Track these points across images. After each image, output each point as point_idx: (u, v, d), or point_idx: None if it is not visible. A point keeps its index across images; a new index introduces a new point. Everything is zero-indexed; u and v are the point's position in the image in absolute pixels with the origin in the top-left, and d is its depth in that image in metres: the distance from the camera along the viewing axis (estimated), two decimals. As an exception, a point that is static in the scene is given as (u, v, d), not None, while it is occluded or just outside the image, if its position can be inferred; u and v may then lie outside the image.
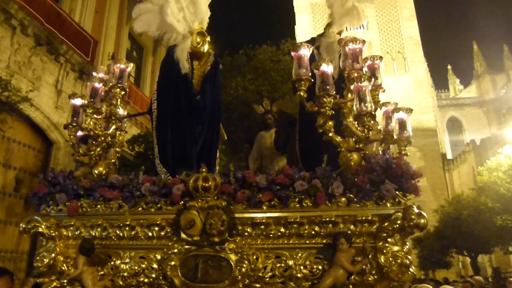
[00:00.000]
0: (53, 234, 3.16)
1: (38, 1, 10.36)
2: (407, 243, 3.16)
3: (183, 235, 2.93)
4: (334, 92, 2.84)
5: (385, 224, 2.69)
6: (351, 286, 2.72)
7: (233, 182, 2.97)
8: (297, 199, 2.83)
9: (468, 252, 23.60)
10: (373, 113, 2.72)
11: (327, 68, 2.82)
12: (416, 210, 2.67)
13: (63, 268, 3.12)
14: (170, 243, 3.01)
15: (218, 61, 4.11)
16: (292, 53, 3.01)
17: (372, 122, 2.86)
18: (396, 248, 2.72)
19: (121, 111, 4.29)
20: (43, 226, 3.14)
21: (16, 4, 9.47)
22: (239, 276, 2.78)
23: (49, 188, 3.26)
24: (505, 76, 49.30)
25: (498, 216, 17.56)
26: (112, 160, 3.87)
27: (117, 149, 3.98)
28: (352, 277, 2.72)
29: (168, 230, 3.03)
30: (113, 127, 3.46)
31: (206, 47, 3.97)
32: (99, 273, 3.13)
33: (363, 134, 2.72)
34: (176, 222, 2.94)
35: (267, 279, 2.81)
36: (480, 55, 53.24)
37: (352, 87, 2.79)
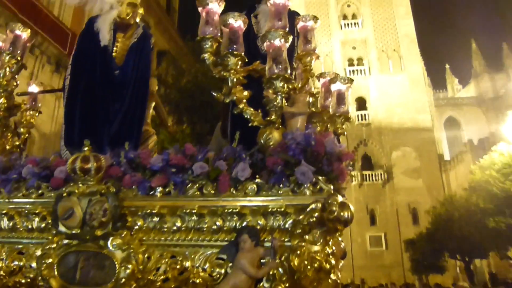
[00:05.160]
0: None
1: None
2: (342, 243, 2.62)
3: (62, 227, 2.40)
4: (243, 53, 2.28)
5: (301, 217, 2.14)
6: None
7: (124, 164, 2.43)
8: (196, 185, 2.28)
9: (461, 256, 22.73)
10: (287, 76, 2.15)
11: (235, 23, 2.26)
12: (340, 199, 2.12)
13: None
14: (50, 237, 2.48)
15: (147, 34, 3.65)
16: (199, 8, 2.44)
17: (293, 91, 2.31)
18: (315, 248, 2.16)
19: (35, 88, 3.76)
20: None
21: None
22: (123, 279, 2.24)
23: None
24: (505, 75, 48.32)
25: (490, 217, 16.87)
26: (17, 143, 3.35)
27: (21, 129, 3.44)
28: (261, 284, 2.16)
29: (49, 221, 2.51)
30: (0, 100, 2.91)
31: (137, 20, 3.56)
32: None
33: (276, 103, 2.16)
34: (54, 211, 2.41)
35: (159, 283, 2.27)
36: (479, 53, 51.97)
37: (265, 45, 2.24)
